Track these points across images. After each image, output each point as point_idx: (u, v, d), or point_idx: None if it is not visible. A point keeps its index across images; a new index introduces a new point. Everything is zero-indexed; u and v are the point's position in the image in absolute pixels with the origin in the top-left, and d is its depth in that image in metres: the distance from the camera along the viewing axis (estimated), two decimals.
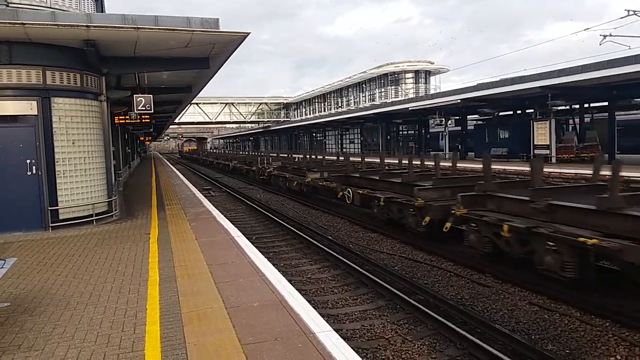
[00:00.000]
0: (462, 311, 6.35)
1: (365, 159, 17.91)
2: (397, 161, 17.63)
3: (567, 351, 5.41)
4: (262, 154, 36.76)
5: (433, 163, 12.30)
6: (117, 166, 20.29)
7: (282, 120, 79.11)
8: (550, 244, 6.68)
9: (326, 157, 21.75)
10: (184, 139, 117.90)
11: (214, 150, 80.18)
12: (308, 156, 26.50)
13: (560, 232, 6.57)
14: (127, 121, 17.49)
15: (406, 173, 12.25)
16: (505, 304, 6.91)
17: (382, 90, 56.86)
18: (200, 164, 56.70)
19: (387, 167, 14.76)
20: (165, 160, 58.87)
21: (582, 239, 6.15)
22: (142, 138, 45.11)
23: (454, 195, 9.29)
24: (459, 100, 28.85)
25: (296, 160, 25.41)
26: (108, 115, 11.74)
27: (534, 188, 7.98)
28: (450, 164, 13.66)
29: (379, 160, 15.54)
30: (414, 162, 12.59)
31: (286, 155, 30.93)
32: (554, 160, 24.49)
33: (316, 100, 75.67)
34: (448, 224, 8.91)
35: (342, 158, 19.24)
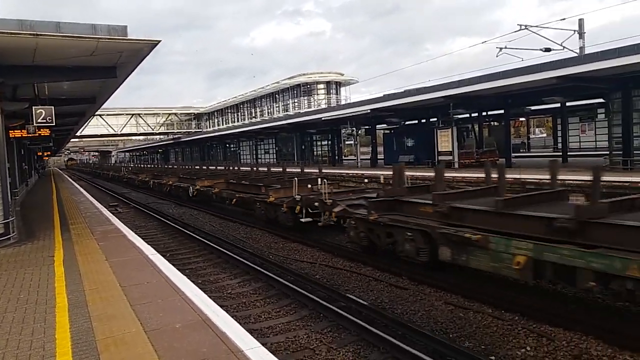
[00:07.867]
0: (383, 315, 6.54)
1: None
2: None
3: (482, 347, 5.76)
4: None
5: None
6: (13, 184, 18.62)
7: (193, 131, 77.08)
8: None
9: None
10: (69, 154, 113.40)
11: (144, 165, 65.84)
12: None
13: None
14: (23, 135, 16.14)
15: None
16: (423, 305, 7.22)
17: (295, 100, 57.43)
18: (115, 181, 44.99)
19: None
20: (66, 176, 54.79)
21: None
22: (40, 153, 41.83)
23: None
24: (369, 110, 29.75)
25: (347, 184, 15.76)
26: (2, 129, 10.79)
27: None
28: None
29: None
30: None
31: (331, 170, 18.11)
32: (456, 165, 25.98)
33: (229, 111, 74.67)
34: None
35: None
